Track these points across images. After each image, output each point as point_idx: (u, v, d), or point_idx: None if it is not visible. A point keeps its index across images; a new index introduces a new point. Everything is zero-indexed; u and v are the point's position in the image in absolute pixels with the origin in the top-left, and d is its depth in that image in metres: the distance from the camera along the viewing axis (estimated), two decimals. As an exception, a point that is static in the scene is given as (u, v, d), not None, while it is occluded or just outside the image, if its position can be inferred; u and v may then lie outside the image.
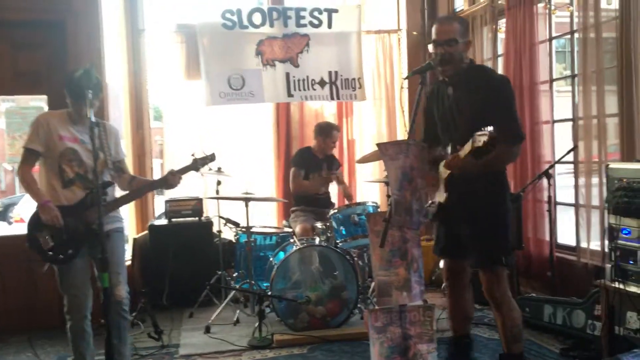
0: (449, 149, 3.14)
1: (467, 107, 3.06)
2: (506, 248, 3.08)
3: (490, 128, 2.65)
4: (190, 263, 5.08)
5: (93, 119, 2.74)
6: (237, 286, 4.80)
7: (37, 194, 3.17)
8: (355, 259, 4.73)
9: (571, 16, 4.60)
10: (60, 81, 4.63)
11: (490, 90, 2.99)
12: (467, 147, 2.78)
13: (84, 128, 3.17)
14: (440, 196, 3.14)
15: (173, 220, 5.28)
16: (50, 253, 3.15)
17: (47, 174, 3.22)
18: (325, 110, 6.37)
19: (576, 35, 4.48)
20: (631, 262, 2.98)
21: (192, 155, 3.62)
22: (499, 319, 3.12)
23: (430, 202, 3.25)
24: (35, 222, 3.16)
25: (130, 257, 5.30)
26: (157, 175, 6.16)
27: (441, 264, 5.42)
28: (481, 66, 3.57)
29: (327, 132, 5.31)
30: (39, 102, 5.11)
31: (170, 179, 3.39)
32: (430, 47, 3.09)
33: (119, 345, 3.21)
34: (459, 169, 2.95)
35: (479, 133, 2.69)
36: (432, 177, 3.18)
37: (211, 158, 3.64)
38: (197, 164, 3.54)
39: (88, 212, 3.14)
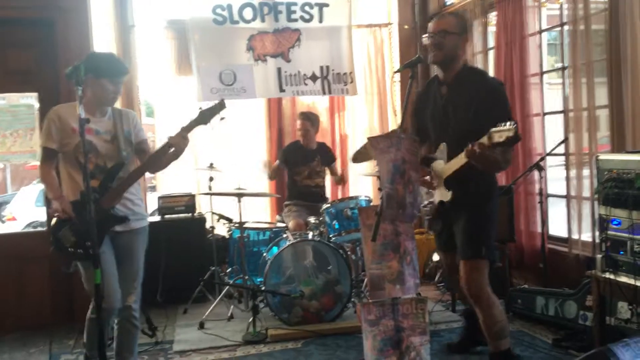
0: (443, 148, 3.15)
1: (462, 108, 3.10)
2: (487, 240, 3.13)
3: (510, 123, 2.63)
4: (184, 259, 5.08)
5: (83, 115, 2.72)
6: (231, 282, 4.81)
7: (53, 188, 3.11)
8: (349, 253, 4.75)
9: (561, 8, 4.61)
10: (50, 78, 4.67)
11: (488, 93, 3.05)
12: (485, 141, 2.77)
13: (101, 116, 3.15)
14: (444, 195, 3.15)
15: (166, 216, 5.28)
16: (72, 249, 3.06)
17: (66, 168, 3.15)
18: (318, 105, 6.36)
19: (566, 27, 4.50)
20: (621, 252, 3.00)
21: (200, 108, 3.27)
22: (480, 317, 3.15)
23: (427, 202, 3.27)
24: (56, 223, 3.10)
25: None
26: (147, 175, 6.14)
27: (435, 256, 5.47)
28: (475, 68, 3.66)
29: (298, 117, 5.41)
30: (30, 100, 5.08)
31: (176, 141, 3.14)
32: (424, 39, 3.15)
33: (127, 354, 3.21)
34: (479, 158, 2.88)
35: (497, 129, 2.67)
36: (430, 177, 3.21)
37: (220, 106, 3.26)
38: (204, 117, 3.22)
39: (102, 200, 3.04)
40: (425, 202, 3.31)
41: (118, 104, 5.40)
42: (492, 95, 3.05)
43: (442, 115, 3.20)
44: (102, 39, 5.29)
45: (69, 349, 4.06)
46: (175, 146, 3.15)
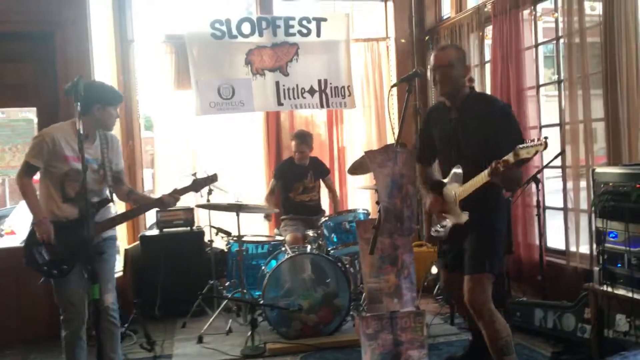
0: (459, 171, 3.17)
1: (474, 131, 3.14)
2: (492, 254, 3.12)
3: (538, 139, 2.71)
4: (182, 273, 5.07)
5: (82, 131, 2.74)
6: (229, 295, 4.80)
7: (35, 209, 3.20)
8: (347, 266, 4.74)
9: (556, 22, 4.65)
10: (49, 93, 4.70)
11: (500, 117, 3.11)
12: (510, 159, 2.80)
13: (91, 142, 3.29)
14: (460, 217, 3.13)
15: (164, 230, 5.27)
16: (46, 268, 3.20)
17: (47, 186, 3.24)
18: (316, 118, 6.39)
19: (562, 40, 4.54)
20: (619, 265, 3.01)
21: (193, 175, 3.64)
22: (484, 332, 3.13)
23: (439, 225, 3.27)
24: (31, 238, 3.21)
25: (122, 268, 5.29)
26: (148, 184, 6.16)
27: (433, 269, 5.46)
28: (483, 93, 3.84)
29: (293, 138, 5.40)
30: (29, 114, 5.11)
31: (167, 200, 3.45)
32: (429, 74, 3.24)
33: (111, 354, 3.27)
34: (503, 176, 2.91)
35: (522, 146, 2.72)
36: (441, 204, 3.23)
37: (212, 179, 3.62)
38: (197, 185, 3.56)
39: (84, 229, 3.08)
40: (438, 227, 3.30)
41: (118, 118, 5.48)
42: (506, 117, 3.13)
43: (452, 139, 3.24)
44: (102, 54, 5.33)
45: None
46: (166, 204, 3.49)
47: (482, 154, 2.99)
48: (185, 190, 3.52)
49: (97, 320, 2.79)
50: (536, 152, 2.68)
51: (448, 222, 3.21)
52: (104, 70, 5.41)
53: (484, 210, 3.13)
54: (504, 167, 2.83)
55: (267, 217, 5.60)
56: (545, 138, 2.67)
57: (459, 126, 3.21)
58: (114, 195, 3.44)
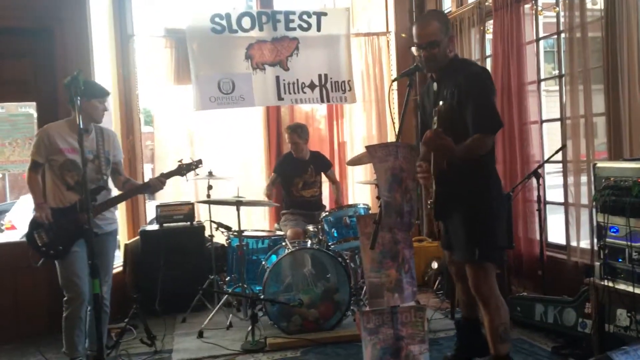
0: None
1: (447, 98, 3.08)
2: (487, 242, 3.09)
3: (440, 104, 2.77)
4: (183, 268, 5.07)
5: (82, 125, 2.77)
6: (230, 290, 4.80)
7: (36, 195, 3.57)
8: (348, 261, 4.74)
9: (557, 16, 4.64)
10: (48, 88, 4.69)
11: (468, 81, 3.02)
12: (435, 120, 2.88)
13: (86, 136, 3.50)
14: (434, 187, 3.13)
15: (164, 225, 5.27)
16: (44, 249, 3.52)
17: (53, 178, 3.59)
18: (316, 113, 6.39)
19: (563, 35, 4.52)
20: (620, 259, 3.00)
21: (180, 161, 3.85)
22: (486, 318, 3.13)
23: (429, 201, 3.27)
24: (33, 222, 3.56)
25: (122, 263, 5.29)
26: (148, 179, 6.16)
27: (434, 264, 5.47)
28: (463, 60, 3.56)
29: (286, 131, 5.41)
30: (28, 109, 5.10)
31: (154, 183, 3.73)
32: (414, 50, 3.13)
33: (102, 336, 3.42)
34: (436, 145, 2.91)
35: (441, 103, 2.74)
36: (428, 174, 3.18)
37: (197, 164, 3.89)
38: (182, 169, 3.82)
39: (80, 214, 3.43)
40: (430, 201, 3.28)
41: (117, 112, 5.49)
42: (473, 81, 3.02)
43: (436, 113, 3.19)
44: (102, 49, 5.32)
45: (65, 359, 4.04)
46: (152, 188, 3.77)
47: (453, 120, 2.91)
48: (170, 174, 3.78)
49: (96, 312, 2.95)
50: (446, 108, 2.77)
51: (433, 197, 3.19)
52: (103, 65, 5.40)
53: (472, 189, 3.06)
54: (429, 132, 2.89)
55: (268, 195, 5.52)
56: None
57: (439, 97, 3.15)
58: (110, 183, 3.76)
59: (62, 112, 4.44)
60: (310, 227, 4.83)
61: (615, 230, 3.03)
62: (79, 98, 2.88)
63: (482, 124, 2.98)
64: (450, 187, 3.09)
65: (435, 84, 3.20)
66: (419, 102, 3.46)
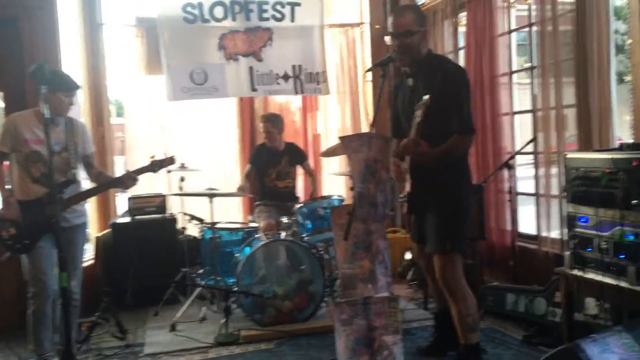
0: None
1: (422, 96, 3.08)
2: (457, 234, 3.14)
3: (424, 98, 2.77)
4: (155, 261, 5.00)
5: (47, 115, 2.72)
6: (203, 283, 4.76)
7: (1, 188, 3.49)
8: (322, 252, 4.74)
9: (529, 9, 4.67)
10: (15, 78, 4.56)
11: (445, 80, 3.05)
12: (413, 127, 2.89)
13: (53, 127, 3.45)
14: (408, 185, 3.17)
15: (136, 217, 5.19)
16: (10, 242, 3.43)
17: (18, 170, 3.50)
18: (291, 105, 6.35)
19: (534, 28, 4.56)
20: (589, 249, 3.04)
21: (152, 157, 3.77)
22: (453, 308, 3.17)
23: (402, 194, 3.29)
24: None
25: (93, 256, 5.20)
26: (119, 172, 6.06)
27: (407, 255, 5.50)
28: (439, 56, 3.62)
29: (260, 120, 5.41)
30: (-5, 99, 4.96)
31: (125, 179, 3.64)
32: (388, 39, 3.13)
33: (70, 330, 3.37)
34: (413, 153, 2.99)
35: (417, 111, 2.78)
36: (401, 170, 3.21)
37: (170, 161, 3.81)
38: (154, 166, 3.73)
39: (47, 207, 3.34)
40: (402, 195, 3.31)
41: (86, 103, 5.38)
42: (450, 81, 3.06)
43: (409, 107, 3.21)
44: (70, 38, 5.19)
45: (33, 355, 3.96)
46: (124, 184, 3.66)
47: (431, 121, 2.92)
48: (143, 170, 3.69)
49: (64, 306, 2.93)
50: (418, 125, 2.77)
51: (406, 189, 3.23)
52: (72, 54, 5.28)
53: (444, 184, 3.13)
54: (407, 144, 2.95)
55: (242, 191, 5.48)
56: (424, 103, 2.75)
57: (413, 92, 3.17)
58: (79, 176, 3.68)
59: (30, 102, 4.33)
60: (284, 219, 4.81)
61: (584, 220, 3.07)
62: (44, 88, 2.81)
63: (463, 124, 3.01)
64: (424, 181, 3.11)
65: (410, 80, 3.21)
66: (393, 98, 3.46)
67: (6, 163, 3.56)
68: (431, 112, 2.92)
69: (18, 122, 3.49)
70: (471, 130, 3.12)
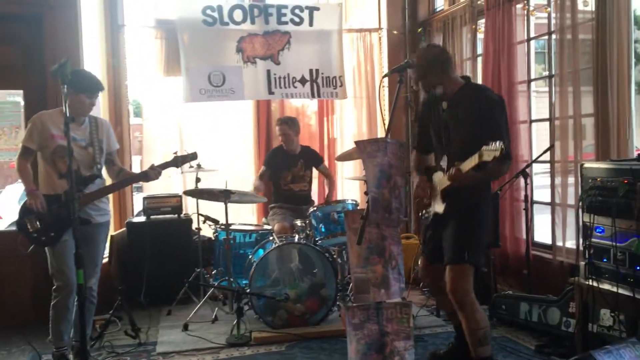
0: (445, 161, 3.20)
1: (463, 123, 3.13)
2: (473, 246, 3.13)
3: (498, 143, 2.68)
4: (169, 260, 5.04)
5: (68, 113, 2.76)
6: (216, 284, 4.79)
7: (27, 182, 3.53)
8: (335, 256, 4.74)
9: (549, 17, 4.65)
10: (37, 76, 4.63)
11: (485, 109, 3.08)
12: (473, 161, 2.81)
13: (78, 124, 3.56)
14: (439, 207, 3.18)
15: (152, 217, 5.23)
16: (35, 235, 3.49)
17: (45, 166, 3.57)
18: (307, 108, 6.37)
19: (554, 36, 4.54)
20: (604, 260, 3.02)
21: (175, 153, 3.91)
22: (464, 322, 3.15)
23: (424, 212, 3.30)
24: (24, 208, 3.53)
25: (108, 255, 5.25)
26: (136, 172, 6.12)
27: (421, 262, 5.47)
28: (478, 85, 3.69)
29: (277, 123, 5.41)
30: (16, 97, 5.03)
31: (150, 173, 3.71)
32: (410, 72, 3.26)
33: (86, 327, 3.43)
34: (460, 182, 3.00)
35: (487, 148, 2.71)
36: (427, 188, 3.26)
37: (192, 157, 3.94)
38: (177, 161, 3.85)
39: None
40: (425, 212, 3.35)
41: (106, 103, 5.44)
42: (490, 110, 3.09)
43: (444, 129, 3.24)
44: (91, 38, 5.26)
45: (50, 349, 4.01)
46: (149, 177, 3.74)
47: (467, 146, 2.93)
48: (166, 165, 3.80)
49: (81, 302, 2.98)
50: (494, 158, 2.66)
51: (432, 209, 3.24)
52: (93, 54, 5.35)
53: (465, 201, 3.14)
54: (455, 173, 2.93)
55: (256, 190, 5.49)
56: (503, 142, 2.66)
57: (449, 117, 3.21)
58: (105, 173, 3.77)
59: (50, 101, 4.40)
60: (298, 222, 4.82)
61: (600, 230, 3.05)
62: (65, 87, 2.84)
63: (504, 151, 3.00)
64: (450, 200, 3.14)
65: (445, 103, 3.24)
66: (422, 111, 3.48)
67: None
68: (472, 139, 2.92)
69: (44, 118, 3.55)
70: (509, 157, 3.10)
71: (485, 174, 3.01)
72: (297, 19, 5.74)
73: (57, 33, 4.66)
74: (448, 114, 3.22)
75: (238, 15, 5.60)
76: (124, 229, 5.26)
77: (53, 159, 3.52)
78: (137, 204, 5.85)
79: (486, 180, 3.23)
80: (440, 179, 3.19)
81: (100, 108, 5.43)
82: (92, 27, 5.30)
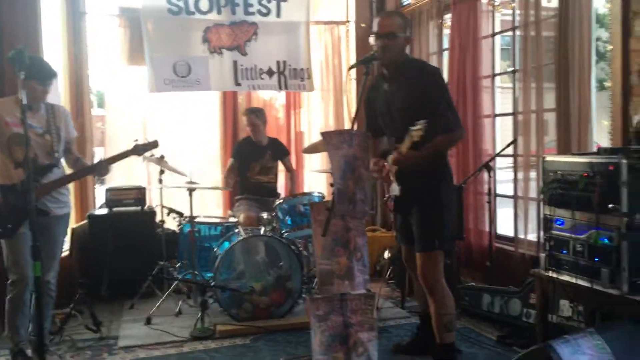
0: (392, 142, 3.21)
1: (402, 101, 3.13)
2: (441, 232, 3.16)
3: (423, 121, 2.76)
4: (132, 253, 4.94)
5: (25, 101, 2.67)
6: (180, 277, 4.73)
7: None
8: (301, 249, 4.73)
9: (513, 13, 4.71)
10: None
11: (424, 82, 3.07)
12: (407, 142, 2.88)
13: (34, 112, 3.44)
14: (395, 190, 3.18)
15: (114, 209, 5.14)
16: None
17: (0, 155, 3.46)
18: (275, 102, 6.32)
19: (518, 32, 4.60)
20: (564, 251, 3.08)
21: (135, 140, 3.77)
22: (432, 307, 3.19)
23: (387, 196, 3.31)
24: None
25: (69, 248, 5.13)
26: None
27: (386, 253, 5.51)
28: (414, 59, 3.64)
29: (244, 114, 5.38)
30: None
31: (98, 167, 3.65)
32: (371, 39, 3.14)
33: (43, 321, 3.36)
34: (405, 164, 3.02)
35: (414, 127, 2.79)
36: (382, 169, 3.23)
37: (153, 145, 3.81)
38: (138, 149, 3.72)
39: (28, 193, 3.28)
40: (387, 196, 3.34)
41: (66, 92, 5.30)
42: (429, 82, 3.08)
43: (386, 111, 3.24)
44: (52, 26, 5.12)
45: (7, 344, 3.91)
46: (97, 171, 3.70)
47: (409, 123, 2.91)
48: (125, 155, 3.67)
49: (37, 296, 2.89)
50: (421, 137, 2.77)
51: (391, 191, 3.24)
52: (53, 42, 5.20)
53: (426, 183, 3.15)
54: (397, 156, 2.95)
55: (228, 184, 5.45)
56: (424, 125, 2.76)
57: (392, 96, 3.20)
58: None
59: (8, 88, 4.25)
60: (265, 215, 4.79)
61: (561, 223, 3.11)
62: (22, 74, 2.76)
63: (447, 123, 3.02)
64: (407, 182, 3.13)
65: (386, 85, 3.22)
66: (367, 97, 3.46)
67: None
68: (413, 115, 2.92)
69: None
70: (457, 126, 3.12)
71: (432, 149, 3.01)
72: (264, 10, 5.69)
73: (16, 21, 4.50)
74: (390, 94, 3.21)
75: (204, 4, 5.52)
76: (85, 221, 5.15)
77: (9, 147, 3.41)
78: (100, 195, 5.73)
79: (437, 155, 3.13)
80: (391, 161, 3.18)
81: (62, 98, 5.29)
82: (52, 14, 5.16)
